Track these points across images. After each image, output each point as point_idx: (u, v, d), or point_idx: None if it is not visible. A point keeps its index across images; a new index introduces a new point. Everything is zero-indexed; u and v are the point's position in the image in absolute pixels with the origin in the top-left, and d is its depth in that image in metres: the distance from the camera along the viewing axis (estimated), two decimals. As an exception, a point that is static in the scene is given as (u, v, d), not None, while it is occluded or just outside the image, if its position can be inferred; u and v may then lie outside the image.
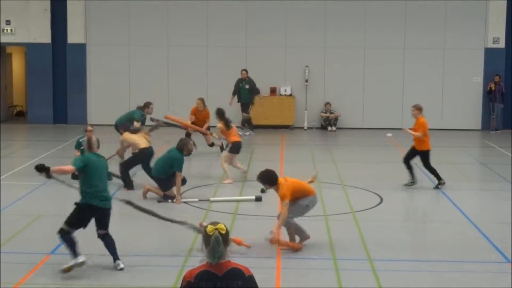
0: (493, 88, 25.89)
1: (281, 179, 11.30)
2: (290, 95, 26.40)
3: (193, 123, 20.34)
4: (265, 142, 23.40)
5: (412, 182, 16.20)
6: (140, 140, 15.87)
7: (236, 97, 24.86)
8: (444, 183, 16.05)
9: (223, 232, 5.57)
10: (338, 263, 10.62)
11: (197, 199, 14.42)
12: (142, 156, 15.74)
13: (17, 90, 29.82)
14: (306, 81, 26.43)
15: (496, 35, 26.16)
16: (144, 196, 14.68)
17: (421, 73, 26.40)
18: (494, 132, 25.84)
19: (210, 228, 5.57)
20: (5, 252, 10.93)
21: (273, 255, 10.89)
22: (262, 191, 14.63)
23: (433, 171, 16.16)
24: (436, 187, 16.00)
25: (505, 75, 26.25)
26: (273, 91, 26.41)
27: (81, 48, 26.64)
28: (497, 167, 18.80)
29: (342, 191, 15.73)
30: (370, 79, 26.53)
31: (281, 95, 26.25)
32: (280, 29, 26.42)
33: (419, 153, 16.25)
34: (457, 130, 26.07)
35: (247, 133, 24.50)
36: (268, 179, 11.32)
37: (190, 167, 18.08)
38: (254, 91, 24.81)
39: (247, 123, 24.86)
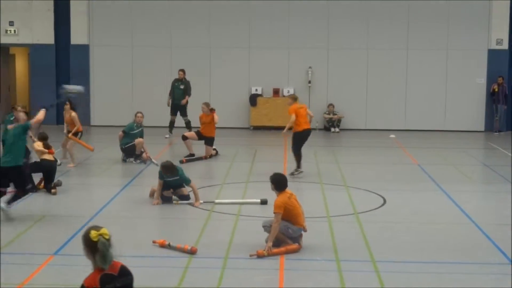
0: (496, 90, 25.87)
1: (287, 192, 11.29)
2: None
3: (200, 131, 20.07)
4: (268, 143, 23.40)
5: None
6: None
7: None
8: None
9: (107, 237, 5.80)
10: (341, 264, 10.61)
11: (201, 201, 14.39)
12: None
13: (20, 91, 29.86)
14: (309, 82, 26.44)
15: (500, 37, 26.15)
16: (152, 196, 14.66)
17: (424, 74, 26.40)
18: (497, 133, 25.83)
19: (94, 234, 5.76)
20: (9, 253, 10.93)
21: (276, 256, 10.88)
22: None
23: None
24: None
25: (508, 76, 26.25)
26: (276, 92, 26.42)
27: (84, 49, 26.67)
28: (500, 168, 18.79)
29: (345, 192, 15.72)
30: (373, 80, 26.53)
31: (284, 96, 26.25)
32: (283, 30, 26.43)
33: None
34: (460, 131, 26.07)
35: (167, 136, 23.82)
36: (277, 181, 11.33)
37: (193, 168, 18.10)
38: (187, 92, 23.80)
39: (186, 125, 23.73)
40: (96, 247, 5.74)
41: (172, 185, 14.41)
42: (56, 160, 16.18)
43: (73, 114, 18.95)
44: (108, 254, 5.75)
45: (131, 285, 5.90)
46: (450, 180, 17.11)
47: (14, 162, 12.93)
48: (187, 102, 23.68)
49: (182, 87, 23.88)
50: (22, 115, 14.01)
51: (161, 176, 14.30)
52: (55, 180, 15.72)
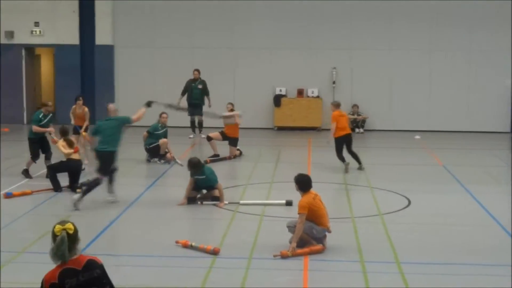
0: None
1: (311, 192, 11.28)
2: (318, 97, 26.36)
3: (224, 132, 20.15)
4: (292, 144, 23.37)
5: None
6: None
7: (185, 97, 23.94)
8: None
9: (71, 232, 5.81)
10: (366, 266, 10.57)
11: (227, 202, 14.38)
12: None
13: (46, 91, 30.03)
14: (334, 82, 26.37)
15: (527, 37, 25.93)
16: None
17: (449, 75, 26.25)
18: (523, 134, 25.65)
19: (57, 228, 5.81)
20: (34, 253, 11.00)
21: (300, 257, 10.86)
22: None
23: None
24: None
25: (534, 77, 26.03)
26: (300, 93, 26.38)
27: (109, 49, 26.78)
28: (526, 170, 18.64)
29: (369, 193, 15.66)
30: (397, 81, 26.43)
31: (308, 96, 26.21)
32: (307, 31, 26.38)
33: None
34: (485, 132, 25.89)
35: (191, 136, 24.00)
36: (301, 182, 11.33)
37: (218, 168, 18.11)
38: (206, 92, 23.97)
39: (199, 125, 24.07)
40: (55, 240, 5.78)
41: (200, 184, 14.43)
42: (81, 160, 16.23)
43: (86, 109, 19.12)
44: (60, 248, 5.72)
45: (99, 280, 5.84)
46: (475, 182, 16.99)
47: (111, 148, 14.28)
48: (210, 105, 23.67)
49: (200, 86, 23.91)
50: (112, 107, 15.02)
51: (191, 174, 14.39)
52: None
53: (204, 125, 23.96)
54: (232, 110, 20.29)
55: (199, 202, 14.42)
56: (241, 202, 14.51)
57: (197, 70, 24.15)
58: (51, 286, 5.71)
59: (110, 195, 14.52)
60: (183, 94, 23.94)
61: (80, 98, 19.29)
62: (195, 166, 14.40)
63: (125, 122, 14.56)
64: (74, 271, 5.74)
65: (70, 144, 15.91)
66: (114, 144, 14.34)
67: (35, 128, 16.75)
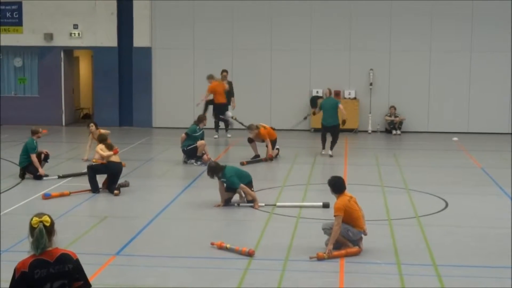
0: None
1: (346, 194, 11.25)
2: (354, 98, 26.29)
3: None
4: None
5: None
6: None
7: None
8: None
9: (48, 224, 5.88)
10: (402, 268, 10.52)
11: (263, 204, 14.39)
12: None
13: (84, 93, 30.30)
14: (371, 84, 26.28)
15: None
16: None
17: (488, 76, 26.00)
18: None
19: (35, 220, 5.89)
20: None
21: (336, 259, 10.84)
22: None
23: None
24: None
25: None
26: (337, 94, 26.28)
27: (147, 51, 26.93)
28: None
29: (406, 196, 15.58)
30: (435, 82, 26.25)
31: (345, 98, 26.14)
32: (345, 32, 26.31)
33: None
34: (523, 134, 25.60)
35: (216, 136, 24.09)
36: (334, 184, 11.32)
37: (254, 170, 18.12)
38: (232, 93, 24.25)
39: (225, 125, 24.33)
40: (33, 233, 5.87)
41: (226, 187, 14.47)
42: (121, 162, 16.32)
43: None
44: (41, 241, 5.83)
45: (70, 274, 5.93)
46: (514, 184, 16.82)
47: (334, 123, 20.18)
48: (234, 106, 24.15)
49: (226, 87, 24.10)
50: (326, 91, 20.99)
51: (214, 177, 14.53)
52: (123, 181, 15.96)
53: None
54: (257, 127, 20.09)
55: (236, 204, 14.45)
56: (278, 204, 14.50)
57: (225, 71, 24.47)
58: (21, 275, 5.81)
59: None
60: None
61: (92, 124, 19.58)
62: (211, 170, 14.41)
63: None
64: (46, 262, 5.85)
65: (109, 147, 16.02)
66: (336, 118, 20.49)
67: (34, 158, 17.03)
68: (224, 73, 24.35)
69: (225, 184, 14.40)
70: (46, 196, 15.02)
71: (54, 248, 5.94)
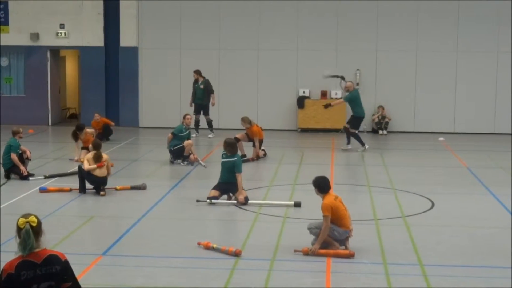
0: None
1: (331, 194, 11.26)
2: (341, 98, 26.29)
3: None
4: (315, 146, 23.35)
5: None
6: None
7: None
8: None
9: (34, 224, 5.84)
10: (389, 268, 10.54)
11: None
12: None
13: (70, 93, 30.21)
14: (357, 84, 26.32)
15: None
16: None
17: (474, 77, 26.09)
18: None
19: (21, 221, 5.86)
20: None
21: (323, 258, 10.86)
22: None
23: None
24: None
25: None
26: (323, 94, 26.35)
27: (133, 51, 26.89)
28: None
29: (393, 196, 15.62)
30: (421, 83, 26.32)
31: (331, 98, 26.15)
32: (332, 32, 26.35)
33: None
34: (510, 134, 25.69)
35: (210, 136, 24.37)
36: (318, 184, 11.32)
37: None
38: (209, 91, 24.55)
39: (208, 125, 24.62)
40: (20, 234, 5.84)
41: (225, 168, 14.69)
42: (107, 175, 15.78)
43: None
44: (28, 242, 5.80)
45: (58, 276, 5.89)
46: (500, 184, 16.88)
47: (359, 114, 21.49)
48: (214, 103, 24.61)
49: (202, 86, 24.51)
50: (349, 84, 21.49)
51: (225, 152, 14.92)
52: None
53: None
54: (250, 123, 20.32)
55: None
56: (249, 202, 14.48)
57: (195, 72, 24.75)
58: (7, 276, 5.78)
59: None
60: (192, 96, 24.73)
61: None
62: (230, 145, 14.82)
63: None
64: (33, 264, 5.81)
65: (96, 159, 15.64)
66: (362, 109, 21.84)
67: (14, 157, 16.99)
68: (194, 74, 24.78)
69: (222, 165, 14.77)
70: (42, 190, 15.36)
71: (42, 249, 5.89)
